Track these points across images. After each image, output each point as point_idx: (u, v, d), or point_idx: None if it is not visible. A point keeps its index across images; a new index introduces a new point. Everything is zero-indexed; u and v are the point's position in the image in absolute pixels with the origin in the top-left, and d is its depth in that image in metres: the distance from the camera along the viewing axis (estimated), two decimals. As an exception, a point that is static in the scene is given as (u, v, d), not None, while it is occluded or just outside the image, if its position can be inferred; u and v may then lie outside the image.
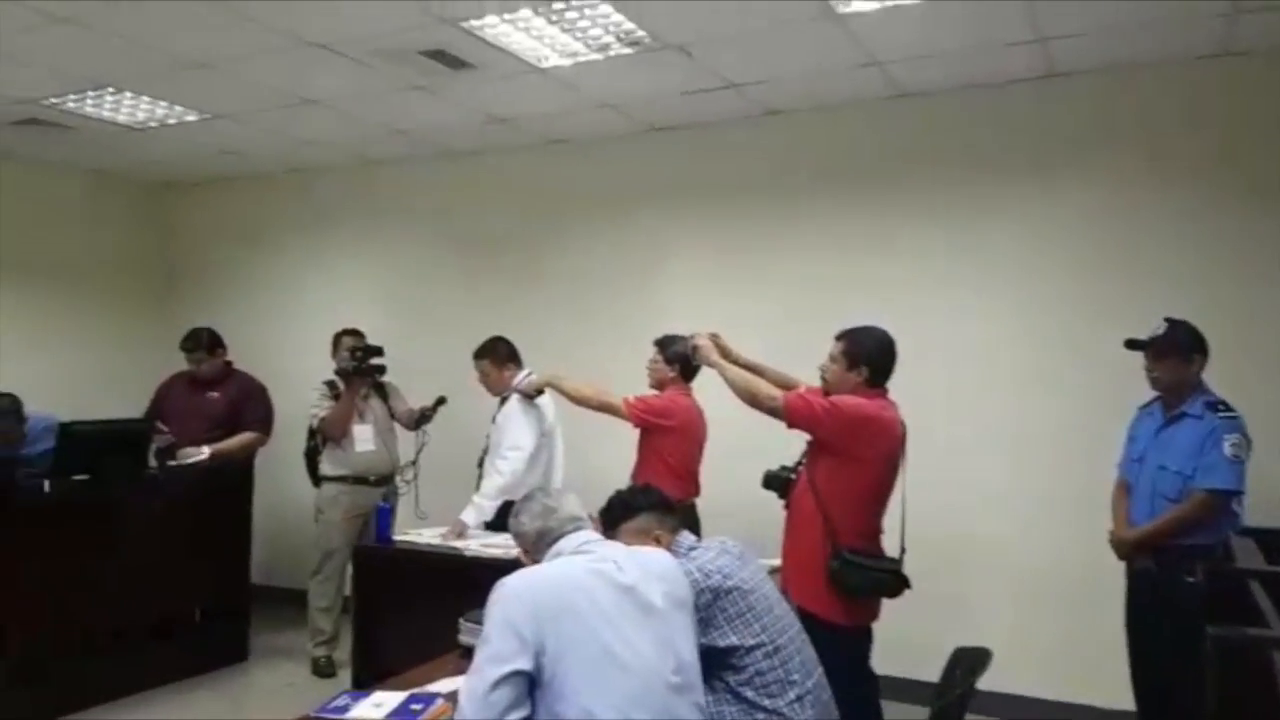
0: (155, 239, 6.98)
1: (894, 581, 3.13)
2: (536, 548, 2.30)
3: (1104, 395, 4.07)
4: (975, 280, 4.55)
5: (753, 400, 3.23)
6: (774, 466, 3.38)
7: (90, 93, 4.78)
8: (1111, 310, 4.15)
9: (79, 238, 6.47)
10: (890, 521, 3.25)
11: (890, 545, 3.24)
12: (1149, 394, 3.58)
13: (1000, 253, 4.51)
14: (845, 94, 4.64)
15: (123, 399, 5.67)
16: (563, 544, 2.26)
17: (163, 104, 4.98)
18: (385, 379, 5.19)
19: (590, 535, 2.31)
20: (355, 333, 5.19)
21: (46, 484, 4.34)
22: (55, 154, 5.97)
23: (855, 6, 3.63)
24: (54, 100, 4.88)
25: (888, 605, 3.21)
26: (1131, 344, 3.51)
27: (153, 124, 5.32)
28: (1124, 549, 3.51)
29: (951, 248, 4.60)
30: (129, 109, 5.06)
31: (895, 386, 3.25)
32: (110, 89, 4.72)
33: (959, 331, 4.53)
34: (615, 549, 2.26)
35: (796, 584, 3.13)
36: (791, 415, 3.14)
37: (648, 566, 2.18)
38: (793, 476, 3.31)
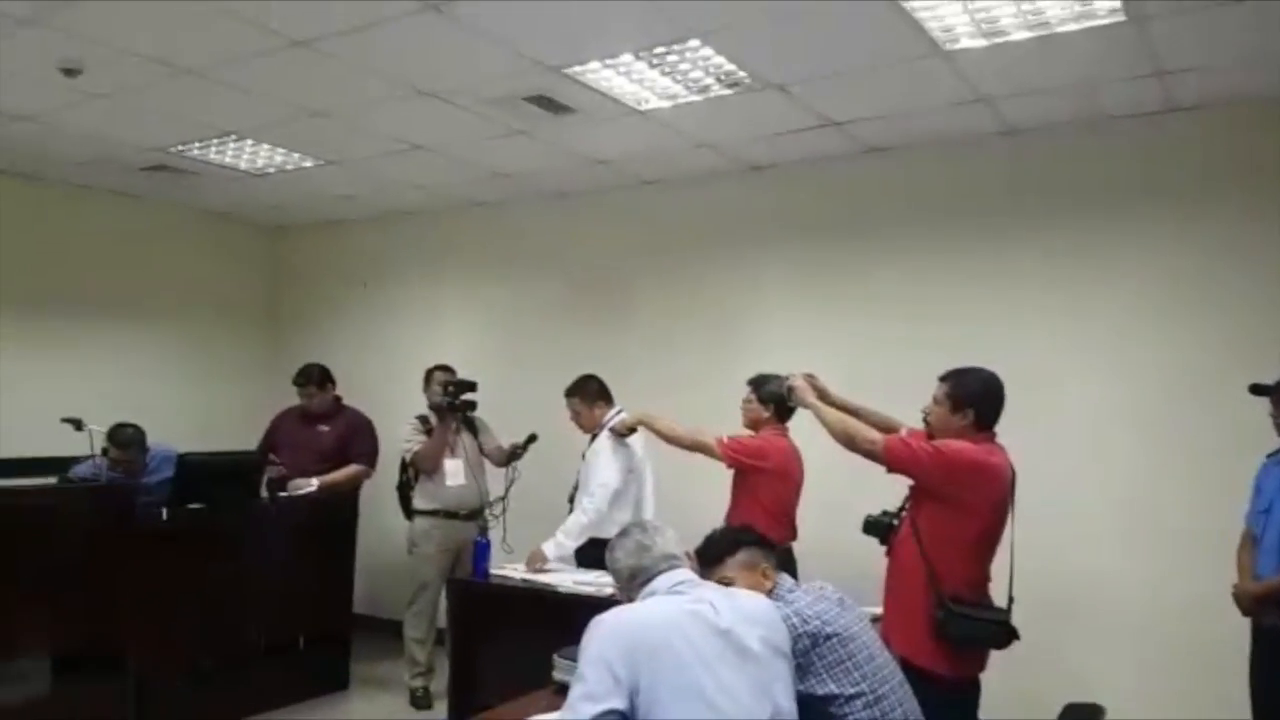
0: (271, 278, 7.30)
1: (1001, 633, 3.00)
2: (630, 585, 2.29)
3: (1229, 441, 3.87)
4: (1085, 321, 4.39)
5: (850, 443, 3.16)
6: (875, 511, 3.29)
7: (214, 140, 5.03)
8: (1234, 353, 3.96)
9: (200, 276, 6.79)
10: (997, 568, 3.13)
11: (997, 593, 3.12)
12: (1275, 441, 3.39)
13: (1112, 291, 4.35)
14: (951, 130, 4.56)
15: (240, 430, 5.90)
16: (657, 583, 2.24)
17: (281, 151, 5.21)
18: (475, 415, 5.26)
19: (685, 575, 2.28)
20: (446, 368, 5.30)
21: (164, 512, 4.53)
22: (181, 197, 6.29)
23: (963, 44, 3.58)
24: (181, 147, 5.16)
25: (994, 656, 3.09)
26: (1256, 389, 3.34)
27: (271, 170, 5.57)
28: (1248, 603, 3.31)
29: (1061, 286, 4.45)
30: (250, 155, 5.31)
31: (1003, 429, 3.14)
32: (233, 137, 4.96)
33: (1068, 372, 4.37)
34: (711, 590, 2.23)
35: (899, 634, 3.02)
36: (891, 459, 3.06)
37: (744, 610, 2.15)
38: (894, 522, 3.21)
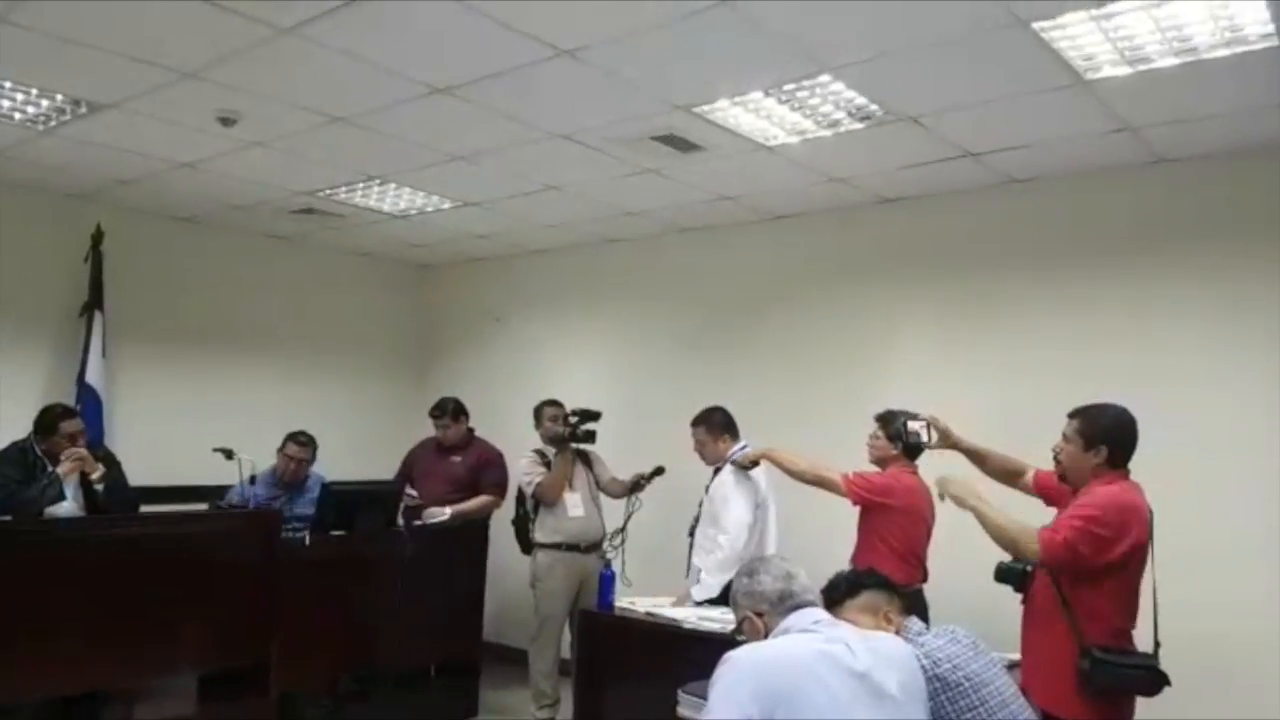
0: (414, 314, 7.57)
1: (1151, 678, 2.86)
2: (775, 610, 2.22)
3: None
4: (1246, 360, 4.12)
5: (1015, 550, 3.01)
6: (1007, 557, 3.17)
7: (360, 184, 5.28)
8: None
9: (346, 314, 7.10)
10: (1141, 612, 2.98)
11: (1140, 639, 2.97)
12: None
13: (1266, 323, 4.08)
14: (1096, 160, 4.40)
15: (386, 460, 6.10)
16: (793, 620, 2.19)
17: (422, 194, 5.43)
18: (590, 448, 5.30)
19: (821, 614, 2.24)
20: (556, 403, 5.37)
21: (307, 538, 4.72)
22: (327, 238, 6.61)
23: (1106, 72, 3.46)
24: (329, 191, 5.42)
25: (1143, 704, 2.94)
26: None
27: (413, 212, 5.80)
28: None
29: (1217, 324, 4.21)
30: (393, 198, 5.54)
31: (1145, 466, 3.01)
32: (377, 181, 5.19)
33: (1216, 408, 4.12)
34: (846, 631, 2.17)
35: (1040, 685, 2.91)
36: (1052, 562, 2.90)
37: (881, 651, 2.10)
38: (1029, 569, 3.09)
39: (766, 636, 2.20)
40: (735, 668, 1.99)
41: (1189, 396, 4.12)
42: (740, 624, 2.31)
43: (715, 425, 4.60)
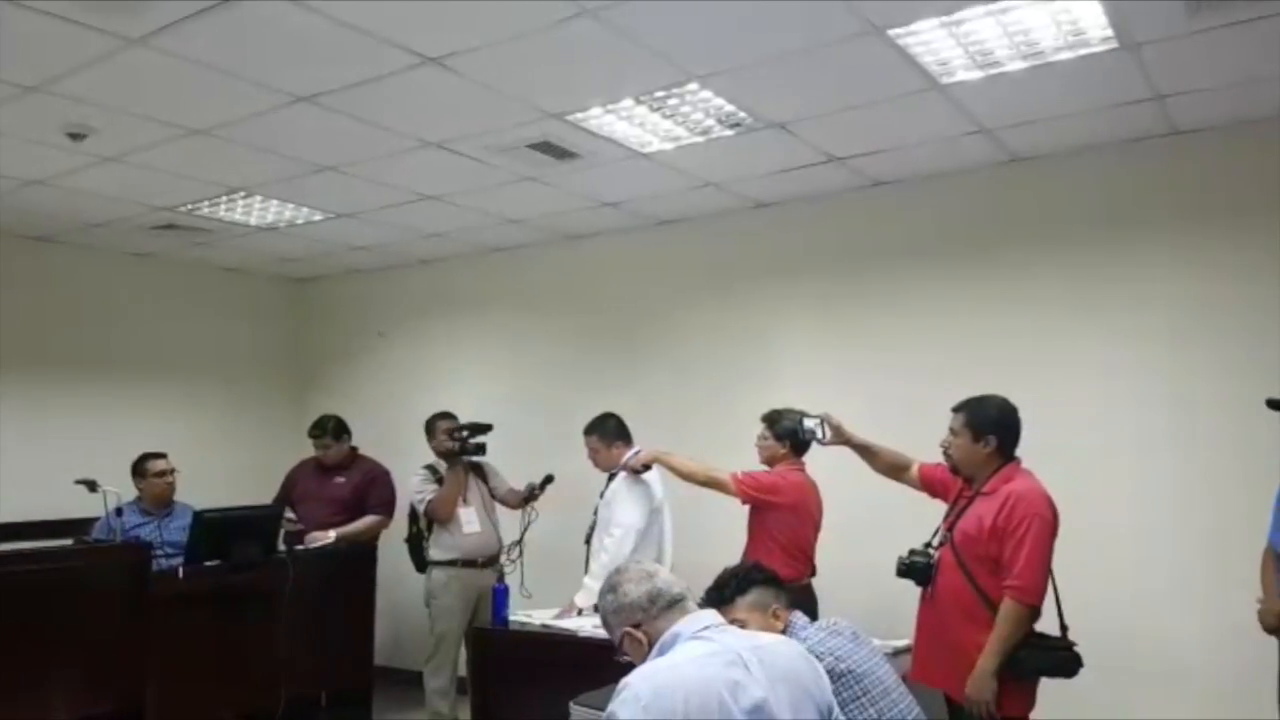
0: (290, 330, 7.33)
1: (1072, 661, 2.97)
2: (649, 614, 2.05)
3: (1248, 459, 3.83)
4: (1103, 349, 4.33)
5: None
6: (900, 548, 3.22)
7: (223, 198, 5.08)
8: (1242, 377, 3.91)
9: (216, 332, 6.81)
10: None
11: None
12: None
13: (1128, 317, 4.30)
14: (954, 162, 4.58)
15: (264, 484, 5.88)
16: (682, 626, 2.02)
17: (290, 206, 5.26)
18: (483, 459, 5.23)
19: (706, 615, 2.08)
20: (449, 415, 5.29)
21: (180, 570, 4.51)
22: (193, 254, 6.35)
23: (959, 76, 3.59)
24: (190, 206, 5.20)
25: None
26: (1273, 403, 3.30)
27: (282, 224, 5.62)
28: (1272, 620, 3.24)
29: (1075, 315, 4.41)
30: (260, 211, 5.35)
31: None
32: (241, 193, 5.01)
33: (1083, 401, 4.32)
34: (736, 638, 2.02)
35: (944, 670, 3.00)
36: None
37: (776, 669, 1.96)
38: (932, 561, 3.15)
39: (652, 646, 2.05)
40: (646, 702, 1.83)
41: (1058, 387, 4.29)
42: (620, 643, 2.12)
43: (608, 432, 4.58)
